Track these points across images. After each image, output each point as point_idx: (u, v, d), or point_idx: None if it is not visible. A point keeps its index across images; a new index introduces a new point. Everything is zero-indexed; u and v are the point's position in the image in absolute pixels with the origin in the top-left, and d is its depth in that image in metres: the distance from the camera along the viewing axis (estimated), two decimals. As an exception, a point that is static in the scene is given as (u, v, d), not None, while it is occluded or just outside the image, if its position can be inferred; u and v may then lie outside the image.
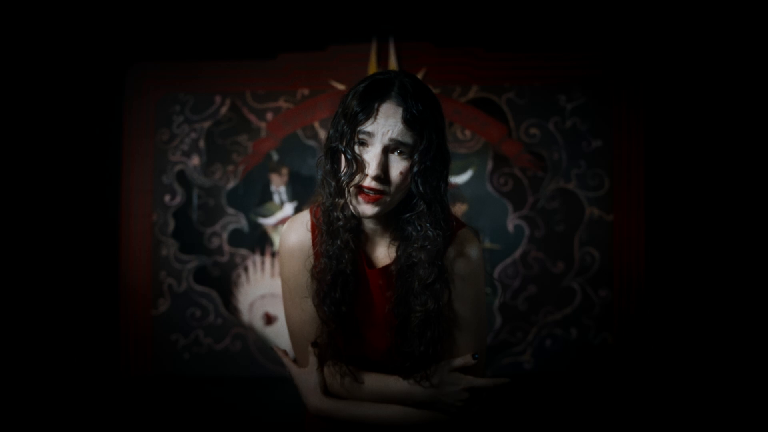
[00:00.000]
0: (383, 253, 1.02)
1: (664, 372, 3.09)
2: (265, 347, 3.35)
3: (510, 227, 3.36)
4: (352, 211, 0.94)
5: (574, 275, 3.25)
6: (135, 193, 3.35)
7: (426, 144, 0.90)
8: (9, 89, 3.04)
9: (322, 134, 3.42)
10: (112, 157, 3.34)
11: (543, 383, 3.14)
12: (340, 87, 3.32)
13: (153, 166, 3.36)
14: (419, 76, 3.29)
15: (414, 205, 0.94)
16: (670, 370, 3.09)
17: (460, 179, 3.79)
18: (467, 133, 3.40)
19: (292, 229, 1.04)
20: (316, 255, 0.99)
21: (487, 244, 3.86)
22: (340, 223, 0.95)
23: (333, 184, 0.94)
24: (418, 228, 0.94)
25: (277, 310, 3.43)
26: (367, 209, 0.92)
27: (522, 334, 3.28)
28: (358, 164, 0.91)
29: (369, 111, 0.90)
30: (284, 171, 3.46)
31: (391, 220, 1.00)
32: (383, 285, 1.00)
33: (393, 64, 3.29)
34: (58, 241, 3.19)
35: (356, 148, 0.92)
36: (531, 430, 2.65)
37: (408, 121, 0.89)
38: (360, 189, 0.91)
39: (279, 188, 3.47)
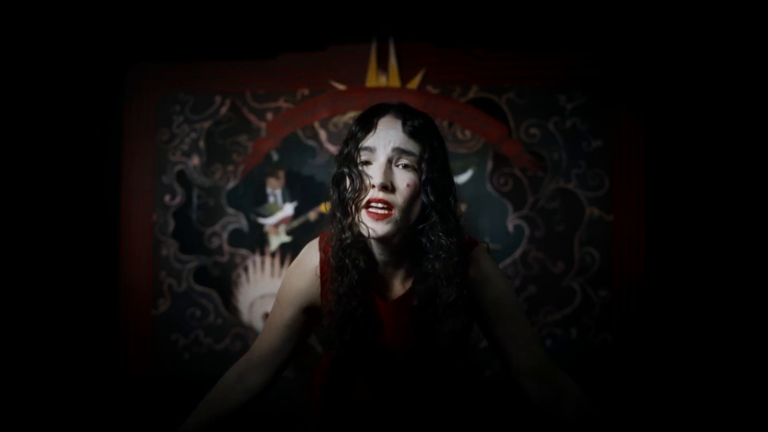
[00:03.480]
0: (398, 286, 0.98)
1: (664, 372, 3.09)
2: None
3: (510, 227, 3.36)
4: (363, 233, 0.88)
5: (574, 275, 3.25)
6: (135, 193, 3.35)
7: (431, 154, 0.87)
8: (9, 89, 3.04)
9: (322, 134, 3.42)
10: (112, 157, 3.34)
11: (543, 383, 3.14)
12: (340, 87, 3.32)
13: (153, 166, 3.36)
14: (419, 76, 3.29)
15: (426, 216, 0.90)
16: (670, 370, 3.09)
17: (460, 179, 3.79)
18: (467, 133, 3.40)
19: (309, 255, 1.00)
20: (325, 294, 0.96)
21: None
22: (348, 251, 0.90)
23: (340, 208, 0.90)
24: (432, 238, 0.89)
25: (277, 310, 3.42)
26: (378, 227, 0.87)
27: (522, 334, 3.27)
28: (362, 179, 0.87)
29: (368, 127, 0.88)
30: (281, 174, 3.45)
31: (404, 251, 0.94)
32: (399, 317, 0.95)
33: (393, 64, 3.29)
34: (59, 241, 3.19)
35: (360, 166, 0.89)
36: (531, 430, 2.65)
37: (409, 131, 0.87)
38: (368, 206, 0.87)
39: (275, 191, 3.47)
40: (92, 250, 3.28)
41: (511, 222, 3.35)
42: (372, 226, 0.87)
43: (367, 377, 1.04)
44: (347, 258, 0.90)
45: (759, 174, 3.02)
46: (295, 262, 1.03)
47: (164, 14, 3.24)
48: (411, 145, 0.87)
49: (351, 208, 0.88)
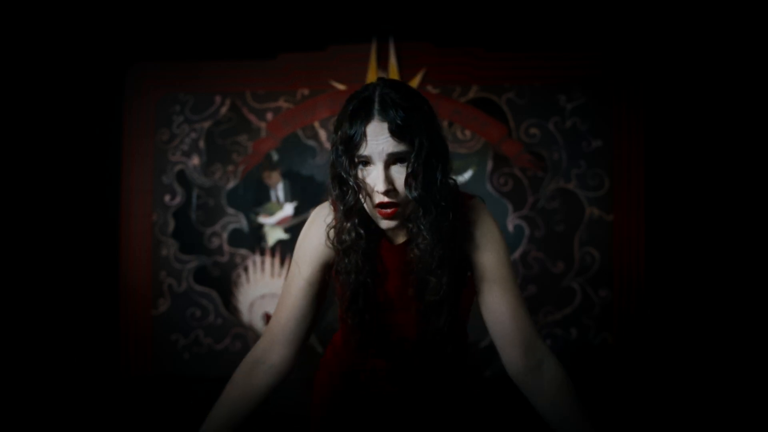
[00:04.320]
0: (401, 237, 1.07)
1: (664, 372, 3.09)
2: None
3: (510, 227, 3.36)
4: (377, 224, 0.99)
5: (574, 275, 3.25)
6: (135, 193, 3.35)
7: (417, 149, 0.94)
8: (9, 89, 3.04)
9: (322, 134, 3.42)
10: (112, 157, 3.34)
11: (543, 383, 3.14)
12: (340, 87, 3.32)
13: (153, 166, 3.36)
14: (419, 76, 3.29)
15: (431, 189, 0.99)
16: (670, 370, 3.09)
17: (460, 179, 3.80)
18: (467, 133, 3.40)
19: (316, 222, 1.09)
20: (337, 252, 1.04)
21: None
22: (349, 244, 1.00)
23: (341, 208, 0.99)
24: (420, 227, 0.98)
25: (277, 310, 3.42)
26: (387, 224, 0.98)
27: (522, 334, 3.27)
28: (361, 189, 0.96)
29: (359, 136, 0.93)
30: (276, 170, 3.47)
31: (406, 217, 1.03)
32: (403, 265, 1.03)
33: (393, 64, 3.29)
34: (59, 241, 3.19)
35: (359, 172, 0.96)
36: (531, 430, 2.65)
37: (395, 133, 0.92)
38: (377, 206, 0.96)
39: (277, 185, 3.49)
40: (92, 250, 3.28)
41: (511, 222, 3.35)
42: (383, 223, 0.98)
43: (384, 335, 1.07)
44: (347, 243, 1.00)
45: (759, 174, 3.02)
46: (308, 221, 1.09)
47: (164, 14, 3.24)
48: (400, 146, 0.93)
49: (351, 212, 0.98)
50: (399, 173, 0.95)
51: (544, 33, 3.23)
